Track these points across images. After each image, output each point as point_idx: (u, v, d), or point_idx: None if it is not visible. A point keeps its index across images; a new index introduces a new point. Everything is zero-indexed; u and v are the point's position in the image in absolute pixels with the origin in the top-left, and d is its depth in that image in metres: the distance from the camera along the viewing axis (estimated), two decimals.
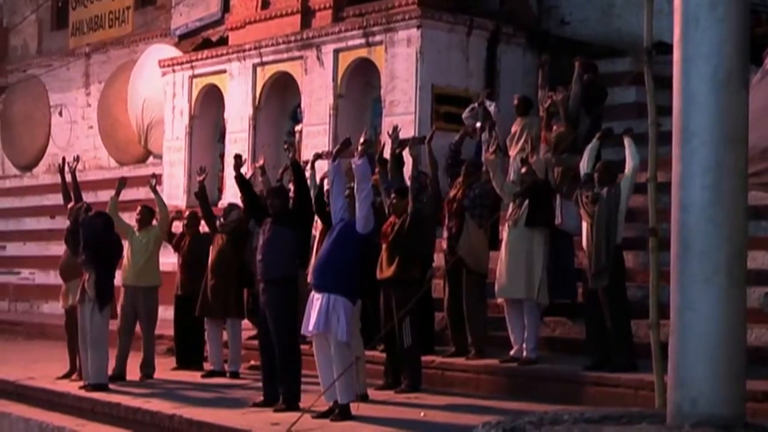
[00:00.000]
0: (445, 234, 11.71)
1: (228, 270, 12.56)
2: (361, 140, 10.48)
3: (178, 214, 15.00)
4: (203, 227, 13.46)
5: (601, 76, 13.20)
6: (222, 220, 12.91)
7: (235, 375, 12.68)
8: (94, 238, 11.87)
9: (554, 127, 12.35)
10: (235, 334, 12.90)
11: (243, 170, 11.61)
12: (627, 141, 10.47)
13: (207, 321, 12.98)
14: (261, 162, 13.27)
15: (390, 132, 12.55)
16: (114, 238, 12.22)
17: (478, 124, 13.73)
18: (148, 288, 12.91)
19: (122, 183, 13.43)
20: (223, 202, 16.27)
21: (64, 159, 14.47)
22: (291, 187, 11.47)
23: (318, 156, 12.03)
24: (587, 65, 12.73)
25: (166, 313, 13.70)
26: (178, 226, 13.99)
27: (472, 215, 11.45)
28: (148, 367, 12.89)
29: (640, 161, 10.18)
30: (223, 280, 12.58)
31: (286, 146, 12.28)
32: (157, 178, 14.31)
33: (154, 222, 13.28)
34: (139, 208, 13.40)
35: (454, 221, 11.58)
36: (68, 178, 13.89)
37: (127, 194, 15.45)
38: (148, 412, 10.77)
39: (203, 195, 12.89)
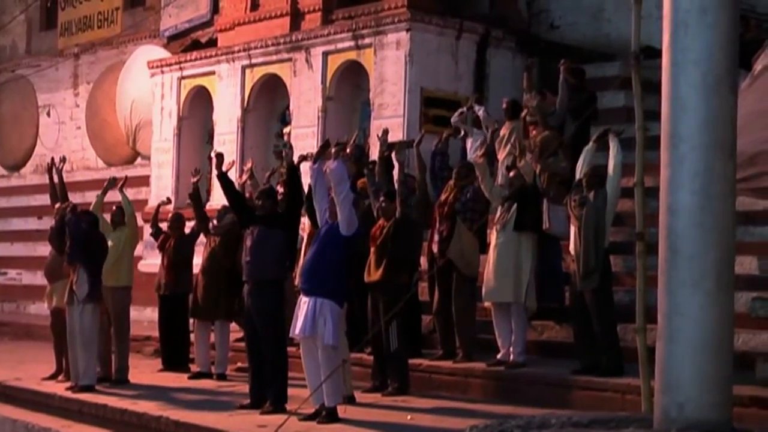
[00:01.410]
0: (436, 237, 11.66)
1: (219, 272, 12.53)
2: (335, 143, 10.46)
3: (168, 200, 14.95)
4: (188, 228, 13.43)
5: (590, 81, 13.19)
6: (215, 222, 12.88)
7: (222, 377, 12.65)
8: (79, 237, 11.85)
9: (533, 132, 12.32)
10: (223, 336, 12.87)
11: (231, 173, 11.58)
12: (612, 141, 10.46)
13: (195, 322, 12.95)
14: (249, 165, 13.25)
15: (379, 135, 12.54)
16: (99, 238, 12.20)
17: (463, 131, 13.73)
18: (117, 288, 12.73)
19: (112, 182, 13.38)
20: (212, 204, 16.25)
21: (52, 159, 14.43)
22: (279, 189, 11.44)
23: (303, 158, 12.04)
24: (572, 69, 12.73)
25: (153, 314, 13.64)
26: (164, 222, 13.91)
27: (464, 219, 11.43)
28: (120, 373, 12.68)
29: (622, 160, 10.19)
30: (213, 282, 12.56)
31: (284, 150, 12.25)
32: (127, 179, 14.21)
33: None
34: (114, 208, 13.35)
35: (445, 225, 11.53)
36: (55, 178, 13.84)
37: (117, 195, 15.40)
38: (135, 414, 10.76)
39: (197, 196, 12.85)
